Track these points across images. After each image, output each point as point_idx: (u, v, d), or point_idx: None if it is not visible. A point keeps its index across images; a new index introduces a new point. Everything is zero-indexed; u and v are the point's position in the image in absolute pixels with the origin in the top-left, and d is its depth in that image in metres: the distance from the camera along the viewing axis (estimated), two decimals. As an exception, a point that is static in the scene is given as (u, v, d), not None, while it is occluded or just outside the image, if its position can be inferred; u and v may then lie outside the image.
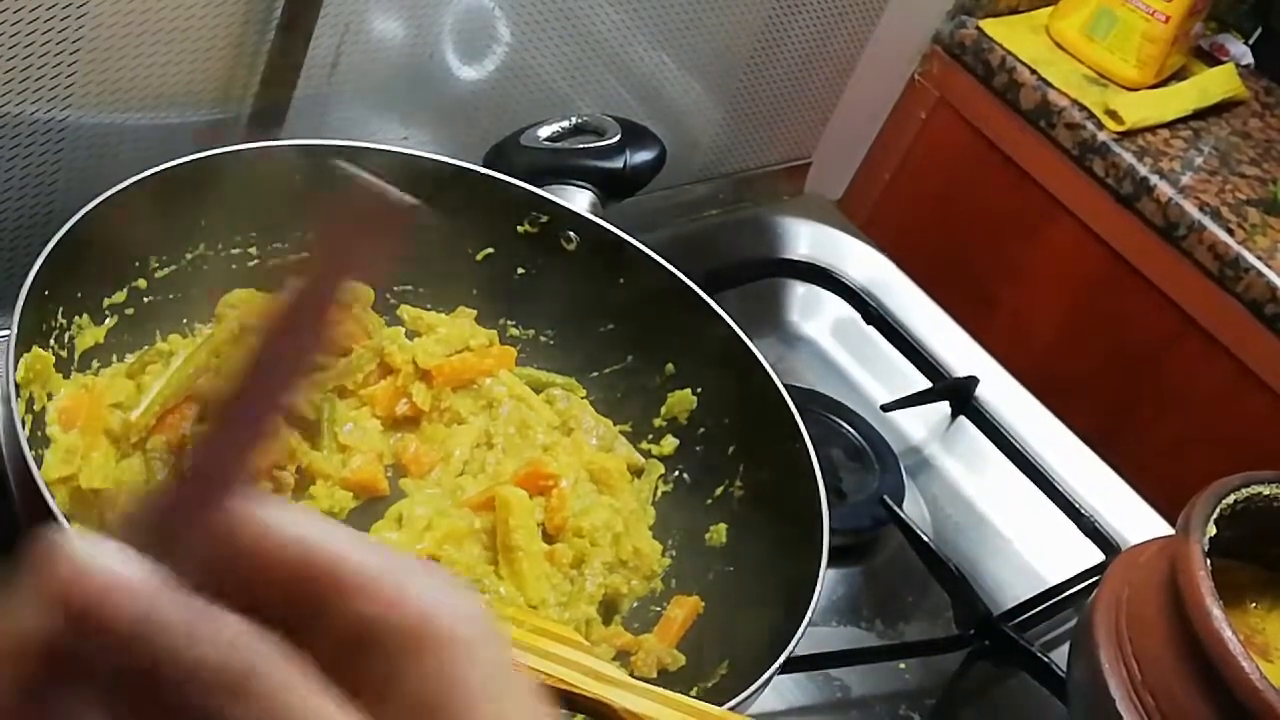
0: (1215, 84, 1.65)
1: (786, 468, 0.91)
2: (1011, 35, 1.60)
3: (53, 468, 0.81)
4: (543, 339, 1.02)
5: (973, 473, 1.23)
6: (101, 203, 0.82)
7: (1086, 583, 1.13)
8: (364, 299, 0.98)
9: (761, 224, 1.38)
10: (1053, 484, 1.21)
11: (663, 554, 0.95)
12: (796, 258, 1.35)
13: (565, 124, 1.08)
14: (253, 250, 0.95)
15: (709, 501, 0.97)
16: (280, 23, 0.98)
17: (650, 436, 1.00)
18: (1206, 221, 1.46)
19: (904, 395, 1.23)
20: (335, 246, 0.37)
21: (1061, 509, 1.20)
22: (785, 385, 0.93)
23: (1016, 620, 1.08)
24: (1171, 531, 0.92)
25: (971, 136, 1.62)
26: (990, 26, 1.60)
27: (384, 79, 1.08)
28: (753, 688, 0.77)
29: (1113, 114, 1.53)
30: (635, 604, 0.92)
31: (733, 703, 0.76)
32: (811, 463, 0.89)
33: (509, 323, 1.02)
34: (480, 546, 0.89)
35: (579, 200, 1.01)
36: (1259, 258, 1.43)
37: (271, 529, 0.33)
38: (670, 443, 0.99)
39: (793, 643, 0.79)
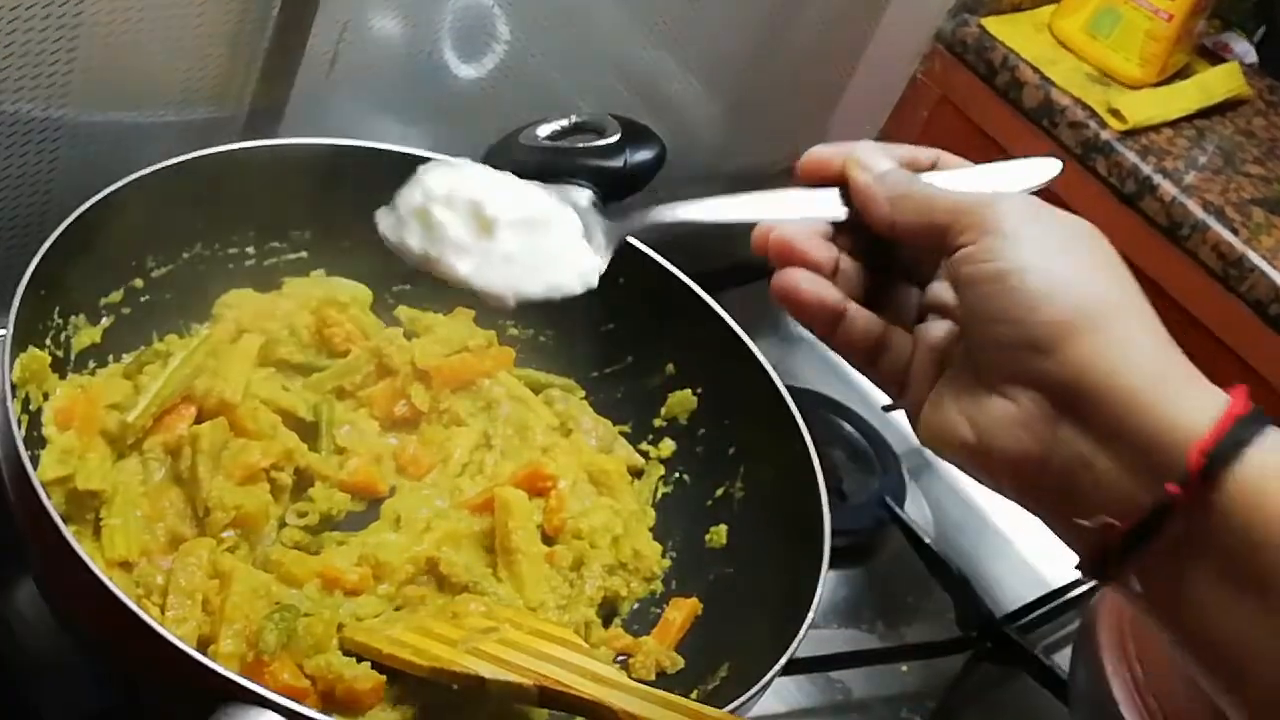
0: (1219, 82, 1.64)
1: (787, 469, 0.90)
2: (1014, 33, 1.59)
3: (49, 468, 0.80)
4: (542, 339, 1.02)
5: (975, 473, 1.22)
6: (98, 202, 0.82)
7: (1089, 585, 1.12)
8: (362, 300, 0.97)
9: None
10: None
11: (663, 555, 0.94)
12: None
13: (565, 122, 1.07)
14: (250, 250, 0.95)
15: (709, 503, 0.96)
16: (278, 21, 0.97)
17: (650, 437, 1.00)
18: (1210, 221, 1.46)
19: (905, 396, 1.23)
20: None
21: (1064, 510, 1.19)
22: (785, 385, 0.93)
23: (1019, 622, 1.07)
24: None
25: (974, 135, 1.62)
26: (993, 24, 1.60)
27: (382, 77, 1.08)
28: (753, 690, 0.76)
29: (1116, 113, 1.52)
30: (635, 606, 0.92)
31: (733, 705, 0.75)
32: (812, 463, 0.89)
33: (507, 323, 1.01)
34: (479, 548, 0.88)
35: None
36: (1263, 257, 1.43)
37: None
38: (670, 444, 0.99)
39: (794, 645, 0.79)
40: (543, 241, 0.66)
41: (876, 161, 0.61)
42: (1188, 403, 0.52)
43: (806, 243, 0.60)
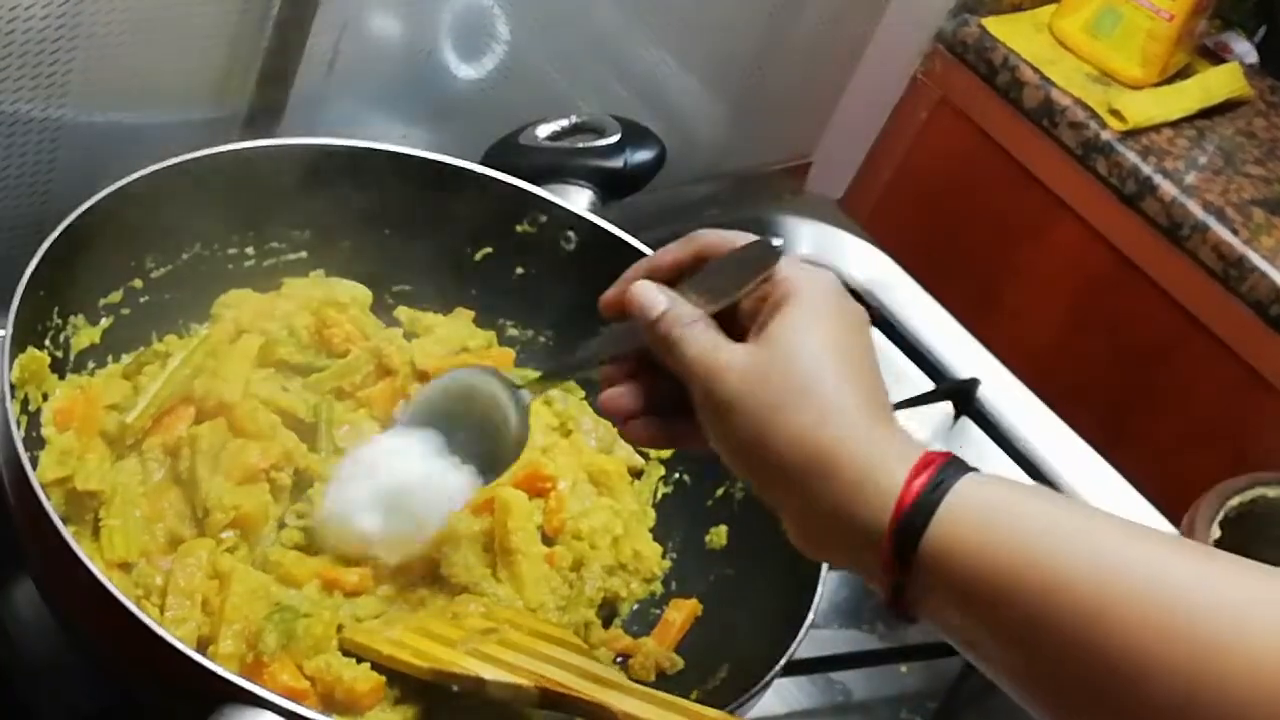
0: (1219, 83, 1.64)
1: (788, 469, 0.90)
2: (1014, 33, 1.59)
3: (48, 469, 0.80)
4: (541, 339, 1.02)
5: (975, 474, 1.22)
6: (97, 202, 0.82)
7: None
8: (362, 300, 0.97)
9: (762, 224, 1.37)
10: (1056, 485, 1.20)
11: (663, 556, 0.94)
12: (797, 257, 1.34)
13: (565, 123, 1.08)
14: (249, 250, 0.94)
15: (709, 503, 0.96)
16: (277, 20, 0.97)
17: (650, 437, 0.99)
18: (1210, 221, 1.45)
19: (906, 396, 1.23)
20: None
21: (1065, 510, 1.19)
22: (786, 386, 0.93)
23: (1019, 623, 1.07)
24: (1175, 533, 0.91)
25: (974, 135, 1.61)
26: (993, 24, 1.60)
27: (382, 77, 1.08)
28: (753, 690, 0.76)
29: (1116, 113, 1.52)
30: (635, 607, 0.92)
31: (733, 705, 0.75)
32: (813, 464, 0.88)
33: (507, 323, 1.01)
34: (479, 549, 0.88)
35: (578, 200, 1.00)
36: (1263, 258, 1.43)
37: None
38: (670, 444, 0.99)
39: (794, 645, 0.79)
40: (416, 499, 0.80)
41: (650, 302, 0.68)
42: (876, 514, 0.60)
43: (622, 401, 0.72)
